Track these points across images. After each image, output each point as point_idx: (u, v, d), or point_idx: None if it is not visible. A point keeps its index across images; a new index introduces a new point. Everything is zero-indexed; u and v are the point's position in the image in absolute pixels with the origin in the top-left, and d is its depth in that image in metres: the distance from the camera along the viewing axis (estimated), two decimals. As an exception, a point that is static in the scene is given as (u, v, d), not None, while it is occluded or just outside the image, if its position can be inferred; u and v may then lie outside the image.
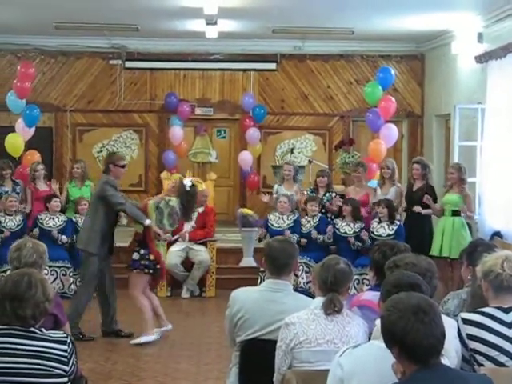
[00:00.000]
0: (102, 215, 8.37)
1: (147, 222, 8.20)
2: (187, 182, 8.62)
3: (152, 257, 8.24)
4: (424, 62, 15.13)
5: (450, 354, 3.51)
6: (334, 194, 10.70)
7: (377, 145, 11.60)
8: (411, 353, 2.74)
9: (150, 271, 8.27)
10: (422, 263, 3.90)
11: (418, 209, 9.87)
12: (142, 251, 8.25)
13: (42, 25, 13.27)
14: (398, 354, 2.78)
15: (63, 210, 10.84)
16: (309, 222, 10.30)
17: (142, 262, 8.24)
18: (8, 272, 6.95)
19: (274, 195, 11.14)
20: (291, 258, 4.62)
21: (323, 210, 10.59)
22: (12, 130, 11.90)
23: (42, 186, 11.02)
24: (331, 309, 4.01)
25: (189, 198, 8.43)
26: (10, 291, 3.60)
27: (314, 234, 10.06)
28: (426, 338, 2.72)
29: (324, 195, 10.66)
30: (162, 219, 8.28)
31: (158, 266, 8.31)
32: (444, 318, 3.08)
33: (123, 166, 8.59)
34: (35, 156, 11.71)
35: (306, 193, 10.86)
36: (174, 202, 8.34)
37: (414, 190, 10.16)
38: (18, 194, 10.79)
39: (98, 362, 7.52)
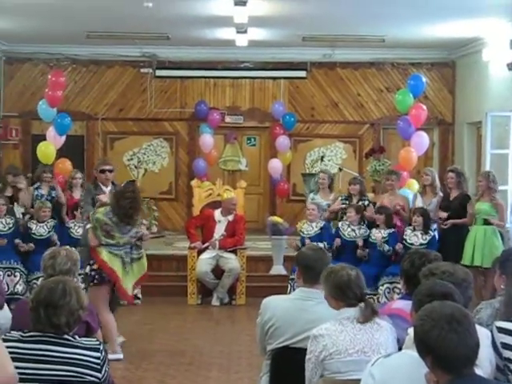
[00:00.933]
0: None
1: (88, 225, 7.94)
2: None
3: (96, 265, 7.75)
4: (455, 70, 15.04)
5: (484, 364, 3.46)
6: (366, 202, 10.65)
7: (407, 153, 11.53)
8: (445, 362, 2.71)
9: (96, 281, 7.74)
10: (459, 272, 3.85)
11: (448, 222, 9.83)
12: (91, 261, 7.83)
13: (73, 34, 13.40)
14: (431, 363, 2.75)
15: None
16: (353, 230, 10.16)
17: (92, 274, 7.76)
18: (40, 279, 7.03)
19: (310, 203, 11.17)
20: (326, 266, 4.61)
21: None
22: (44, 138, 12.01)
23: (78, 195, 11.09)
24: (372, 316, 4.01)
25: (118, 200, 7.68)
26: (44, 298, 3.63)
27: (380, 243, 9.90)
28: (460, 347, 2.69)
29: (357, 203, 10.63)
30: (99, 235, 7.75)
31: (104, 275, 7.75)
32: (477, 327, 3.05)
33: (103, 172, 8.74)
34: (66, 164, 11.81)
35: (340, 200, 10.79)
36: (99, 213, 7.81)
37: (450, 199, 10.07)
38: (52, 198, 10.88)
39: (129, 370, 7.54)
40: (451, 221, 9.87)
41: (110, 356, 7.23)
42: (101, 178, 8.89)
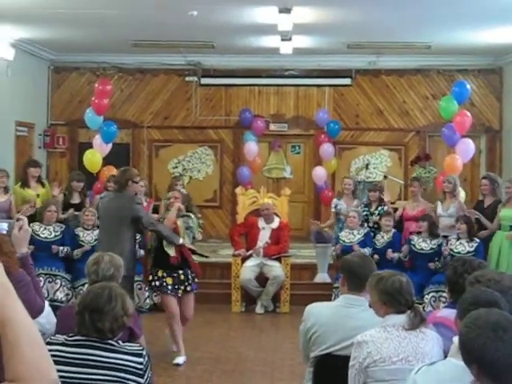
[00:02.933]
0: (130, 236, 8.04)
1: (181, 240, 8.05)
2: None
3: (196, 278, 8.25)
4: (502, 76, 14.86)
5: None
6: (386, 208, 10.74)
7: (453, 160, 11.41)
8: (490, 371, 2.66)
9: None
10: (505, 280, 3.78)
11: (481, 234, 9.77)
12: (189, 271, 8.14)
13: (119, 43, 13.56)
14: (476, 372, 2.70)
15: None
16: (383, 237, 10.24)
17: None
18: (86, 286, 7.09)
19: (333, 210, 11.33)
20: (372, 273, 4.57)
21: (375, 225, 10.66)
22: (90, 146, 12.12)
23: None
24: (420, 323, 3.97)
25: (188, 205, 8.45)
26: (90, 303, 3.67)
27: (390, 253, 9.98)
28: (506, 356, 2.64)
29: (376, 209, 10.74)
30: (194, 235, 8.28)
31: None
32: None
33: (137, 182, 8.35)
34: (112, 171, 11.90)
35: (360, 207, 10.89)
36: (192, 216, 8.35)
37: (484, 206, 10.04)
38: None
39: (173, 377, 7.56)
40: (482, 232, 9.82)
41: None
42: (137, 189, 8.52)
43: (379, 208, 10.76)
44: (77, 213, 10.57)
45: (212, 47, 13.73)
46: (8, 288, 1.91)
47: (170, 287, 7.98)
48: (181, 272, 8.05)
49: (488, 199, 10.13)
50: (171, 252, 8.01)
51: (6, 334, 1.84)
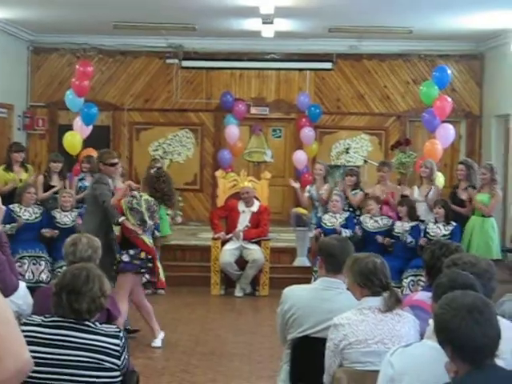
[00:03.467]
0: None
1: (121, 218, 7.85)
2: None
3: (143, 254, 7.81)
4: (483, 62, 14.90)
5: (506, 356, 3.42)
6: (359, 191, 10.87)
7: (433, 145, 11.44)
8: (465, 352, 2.68)
9: (143, 270, 7.86)
10: (482, 263, 3.80)
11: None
12: (132, 251, 7.77)
13: (100, 24, 13.45)
14: (451, 353, 2.72)
15: None
16: (376, 221, 10.20)
17: (135, 262, 7.77)
18: (64, 268, 7.07)
19: (306, 194, 11.39)
20: (349, 256, 4.59)
21: (351, 208, 10.74)
22: (70, 128, 12.05)
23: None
24: (396, 304, 3.99)
25: (160, 183, 7.96)
26: (67, 284, 3.66)
27: (380, 238, 9.97)
28: (481, 337, 2.66)
29: (350, 191, 10.87)
30: (142, 217, 7.82)
31: (150, 265, 7.85)
32: (500, 319, 3.01)
33: (112, 165, 8.37)
34: (93, 154, 11.83)
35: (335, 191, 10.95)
36: (146, 195, 7.96)
37: (459, 190, 10.33)
38: None
39: (152, 359, 7.57)
40: (454, 207, 10.01)
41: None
42: (109, 171, 8.41)
43: (353, 191, 10.82)
44: (56, 195, 10.53)
45: (193, 30, 13.65)
46: None
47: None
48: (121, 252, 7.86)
49: (463, 184, 10.34)
50: (116, 231, 8.13)
51: None
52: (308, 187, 11.52)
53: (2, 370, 1.78)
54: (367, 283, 4.07)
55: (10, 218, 9.71)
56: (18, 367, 1.81)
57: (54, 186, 10.69)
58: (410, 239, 9.74)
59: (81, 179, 10.98)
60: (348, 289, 4.35)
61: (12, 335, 1.82)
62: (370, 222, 10.18)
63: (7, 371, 1.78)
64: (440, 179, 11.16)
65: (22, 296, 4.77)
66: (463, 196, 10.21)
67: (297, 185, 11.58)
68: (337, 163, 14.31)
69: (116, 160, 8.56)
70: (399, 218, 10.13)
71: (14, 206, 9.83)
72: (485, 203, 9.82)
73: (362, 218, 10.31)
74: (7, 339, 1.80)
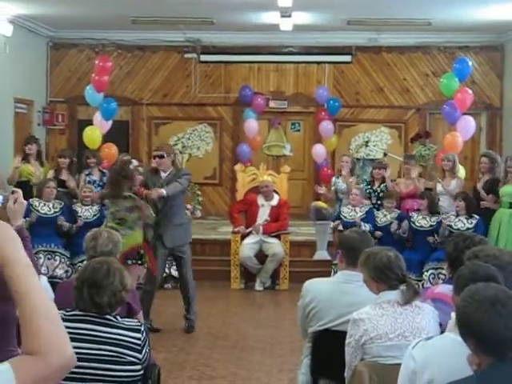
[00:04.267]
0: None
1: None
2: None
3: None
4: (504, 53, 14.77)
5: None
6: (387, 185, 10.81)
7: (453, 137, 11.38)
8: (487, 345, 2.65)
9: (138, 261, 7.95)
10: (505, 256, 3.76)
11: (483, 204, 9.80)
12: None
13: (119, 20, 13.48)
14: (473, 346, 2.70)
15: None
16: (385, 216, 10.22)
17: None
18: (84, 262, 7.10)
19: (333, 187, 11.42)
20: None
21: (378, 202, 10.69)
22: (90, 123, 12.09)
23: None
24: (414, 297, 3.97)
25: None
26: (88, 277, 3.68)
27: (394, 226, 9.97)
28: (504, 330, 2.63)
29: (378, 187, 10.82)
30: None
31: (142, 251, 7.95)
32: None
33: (154, 158, 8.49)
34: (112, 149, 11.87)
35: (362, 185, 10.92)
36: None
37: (481, 184, 10.11)
38: (104, 184, 10.96)
39: (172, 352, 7.58)
40: (483, 202, 9.85)
41: None
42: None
43: (381, 185, 10.78)
44: (64, 189, 10.60)
45: (211, 24, 13.65)
46: (29, 264, 1.97)
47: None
48: None
49: (485, 177, 10.16)
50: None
51: (25, 306, 1.88)
52: (334, 179, 11.53)
53: (46, 366, 1.82)
54: (383, 277, 4.05)
55: (27, 211, 9.76)
56: (61, 363, 1.84)
57: (62, 181, 10.74)
58: (393, 228, 9.84)
59: (88, 174, 11.02)
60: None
61: (56, 332, 1.86)
62: (383, 218, 10.21)
63: (50, 367, 1.82)
64: (461, 171, 11.09)
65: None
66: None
67: (322, 190, 11.63)
68: (356, 157, 14.26)
69: (158, 152, 8.45)
70: (418, 211, 10.09)
71: (33, 201, 9.88)
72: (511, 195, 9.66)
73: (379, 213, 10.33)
74: (52, 334, 1.84)
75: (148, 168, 9.15)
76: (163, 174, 8.34)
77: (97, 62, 12.06)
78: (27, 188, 10.27)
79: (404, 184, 10.78)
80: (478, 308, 2.67)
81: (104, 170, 11.16)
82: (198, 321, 8.63)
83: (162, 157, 8.34)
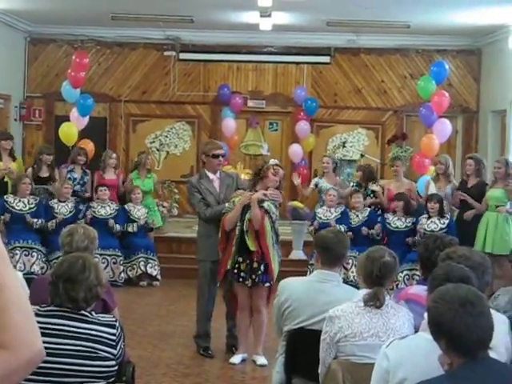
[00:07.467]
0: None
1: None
2: None
3: None
4: (481, 57, 14.90)
5: (499, 350, 3.44)
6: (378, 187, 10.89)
7: (429, 140, 11.46)
8: (458, 345, 2.70)
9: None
10: (476, 257, 3.82)
11: (467, 215, 9.84)
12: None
13: (98, 16, 13.42)
14: (445, 346, 2.74)
15: (124, 199, 11.06)
16: (357, 216, 10.29)
17: None
18: (60, 258, 7.10)
19: (311, 186, 11.53)
20: (345, 249, 4.63)
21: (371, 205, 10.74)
22: (67, 119, 12.04)
23: (111, 175, 11.24)
24: (374, 303, 3.97)
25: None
26: (64, 272, 3.67)
27: (365, 230, 10.04)
28: (474, 330, 2.68)
29: (364, 190, 10.90)
30: None
31: None
32: (495, 313, 3.03)
33: (216, 156, 7.39)
34: (89, 145, 11.84)
35: (352, 185, 10.97)
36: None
37: (468, 186, 10.09)
38: (84, 183, 11.02)
39: (147, 350, 7.58)
40: (469, 212, 9.88)
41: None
42: (212, 164, 7.41)
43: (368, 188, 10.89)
44: (43, 185, 10.57)
45: (191, 22, 13.63)
46: (2, 255, 1.88)
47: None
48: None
49: (471, 179, 10.16)
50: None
51: None
52: (316, 179, 11.56)
53: (15, 360, 1.78)
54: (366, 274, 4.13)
55: (2, 208, 9.73)
56: (31, 357, 1.81)
57: (43, 178, 10.69)
58: (365, 231, 9.96)
59: (70, 171, 11.00)
60: (344, 281, 4.37)
61: (29, 325, 1.83)
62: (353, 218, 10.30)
63: (19, 360, 1.79)
64: (431, 171, 11.18)
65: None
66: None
67: (298, 181, 11.67)
68: (335, 157, 14.28)
69: (219, 151, 7.47)
70: (395, 213, 10.16)
71: (8, 197, 9.83)
72: (499, 199, 9.69)
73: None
74: (24, 329, 1.81)
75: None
76: (212, 176, 7.46)
77: (74, 57, 12.02)
78: (1, 185, 10.23)
79: (394, 186, 10.80)
80: (449, 309, 2.71)
81: (87, 170, 11.16)
82: (173, 318, 8.63)
83: (224, 155, 7.70)
